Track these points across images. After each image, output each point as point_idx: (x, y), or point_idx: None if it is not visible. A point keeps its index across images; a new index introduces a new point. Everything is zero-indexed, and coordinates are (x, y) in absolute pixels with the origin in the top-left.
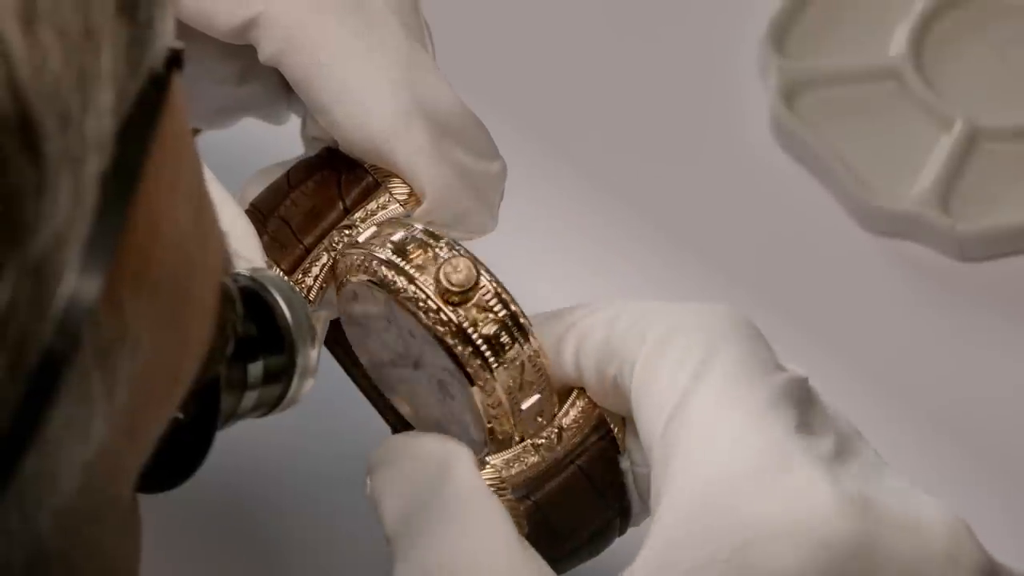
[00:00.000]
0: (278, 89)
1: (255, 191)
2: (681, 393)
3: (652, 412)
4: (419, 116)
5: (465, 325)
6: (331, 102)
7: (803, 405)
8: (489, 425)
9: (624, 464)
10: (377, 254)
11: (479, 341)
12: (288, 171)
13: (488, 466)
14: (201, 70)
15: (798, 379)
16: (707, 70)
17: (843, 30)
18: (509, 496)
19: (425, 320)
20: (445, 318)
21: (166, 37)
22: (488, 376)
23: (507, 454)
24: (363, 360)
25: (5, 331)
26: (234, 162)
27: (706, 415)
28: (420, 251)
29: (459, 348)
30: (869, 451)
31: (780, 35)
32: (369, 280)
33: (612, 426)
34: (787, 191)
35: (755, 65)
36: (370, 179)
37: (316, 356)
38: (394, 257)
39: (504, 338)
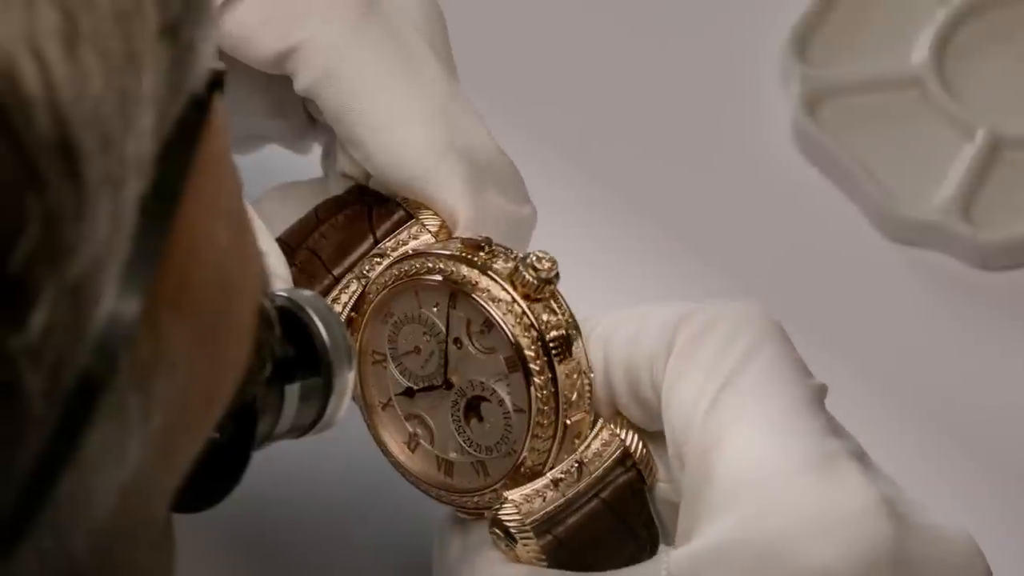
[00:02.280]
0: (305, 123)
1: (271, 208)
2: (722, 383)
3: (690, 397)
4: (455, 151)
5: (539, 323)
6: (366, 134)
7: (828, 414)
8: (524, 449)
9: (652, 491)
10: (445, 252)
11: (551, 340)
12: (317, 206)
13: (507, 502)
14: (232, 101)
15: (823, 386)
16: (729, 78)
17: (866, 38)
18: (528, 534)
19: (498, 313)
20: (520, 310)
21: (208, 59)
22: (550, 377)
23: (526, 489)
24: (367, 400)
25: (42, 353)
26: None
27: (748, 405)
28: (486, 251)
29: (531, 345)
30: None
31: (802, 43)
32: (440, 278)
33: (637, 455)
34: (809, 199)
35: (777, 73)
36: (402, 212)
37: (353, 377)
38: (466, 254)
39: (569, 341)
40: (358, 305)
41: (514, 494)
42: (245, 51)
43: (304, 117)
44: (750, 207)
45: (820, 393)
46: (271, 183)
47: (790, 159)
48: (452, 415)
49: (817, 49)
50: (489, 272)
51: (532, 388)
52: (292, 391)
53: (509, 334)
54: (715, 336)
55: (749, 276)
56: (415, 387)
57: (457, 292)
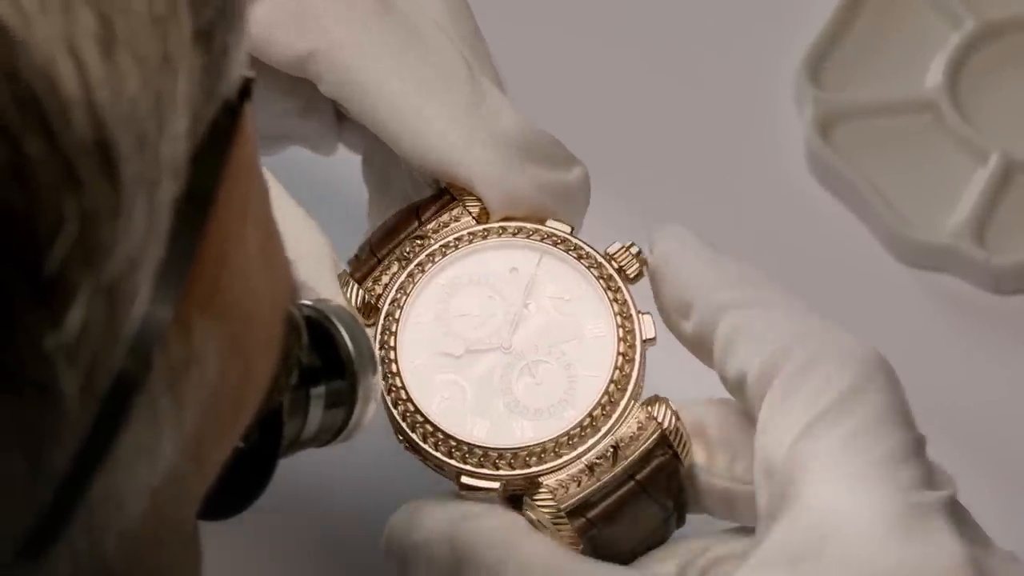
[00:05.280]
0: (332, 124)
1: None
2: (809, 425)
3: (779, 433)
4: (485, 136)
5: (631, 295)
6: (396, 132)
7: (928, 462)
8: (587, 412)
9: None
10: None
11: (642, 315)
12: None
13: (542, 489)
14: (260, 101)
15: (924, 437)
16: (743, 101)
17: (879, 62)
18: (564, 520)
19: (593, 277)
20: (616, 282)
21: (240, 66)
22: (631, 346)
23: (561, 474)
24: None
25: (78, 353)
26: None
27: (835, 452)
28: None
29: (621, 312)
30: (969, 514)
31: (816, 67)
32: (539, 238)
33: (675, 439)
34: (822, 223)
35: (791, 97)
36: (446, 196)
37: (377, 384)
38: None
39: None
40: (403, 279)
41: (550, 479)
42: (267, 53)
43: (333, 115)
44: (764, 230)
45: (918, 445)
46: (295, 182)
47: (803, 182)
48: (502, 376)
49: (831, 73)
50: (585, 243)
51: (619, 357)
52: (318, 399)
53: (607, 301)
54: (820, 370)
55: None
56: (466, 348)
57: (548, 256)
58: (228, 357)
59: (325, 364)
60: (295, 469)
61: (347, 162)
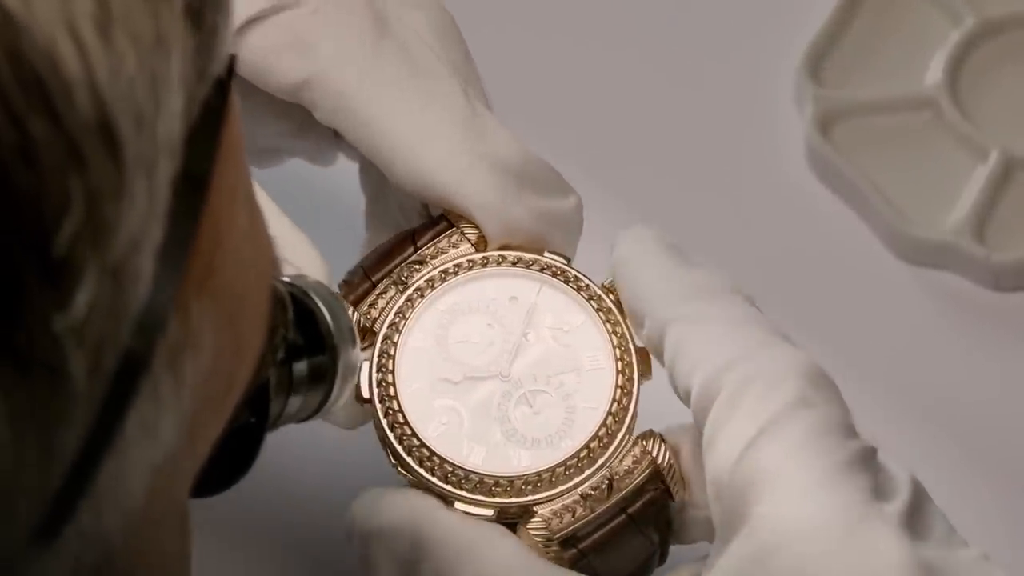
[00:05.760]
0: (330, 139)
1: None
2: (751, 441)
3: (724, 450)
4: (480, 162)
5: (628, 328)
6: (392, 160)
7: (875, 472)
8: (584, 443)
9: (674, 507)
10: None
11: (639, 347)
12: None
13: (536, 517)
14: (258, 123)
15: (871, 448)
16: (743, 99)
17: (879, 60)
18: (555, 547)
19: (593, 309)
20: (613, 314)
21: (228, 44)
22: (630, 379)
23: (555, 503)
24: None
25: (86, 333)
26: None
27: (780, 466)
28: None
29: (620, 345)
30: (938, 518)
31: (816, 64)
32: (538, 268)
33: (667, 474)
34: (822, 220)
35: (791, 94)
36: (444, 222)
37: (357, 359)
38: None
39: (650, 358)
40: (401, 303)
41: (543, 509)
42: (263, 80)
43: (330, 135)
44: (763, 227)
45: (866, 455)
46: (292, 190)
47: (804, 180)
48: (499, 405)
49: (831, 70)
50: (582, 274)
51: (618, 390)
52: (301, 374)
53: (606, 334)
54: (759, 387)
55: (762, 295)
56: (464, 375)
57: (548, 287)
58: (221, 334)
59: (306, 339)
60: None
61: (345, 170)
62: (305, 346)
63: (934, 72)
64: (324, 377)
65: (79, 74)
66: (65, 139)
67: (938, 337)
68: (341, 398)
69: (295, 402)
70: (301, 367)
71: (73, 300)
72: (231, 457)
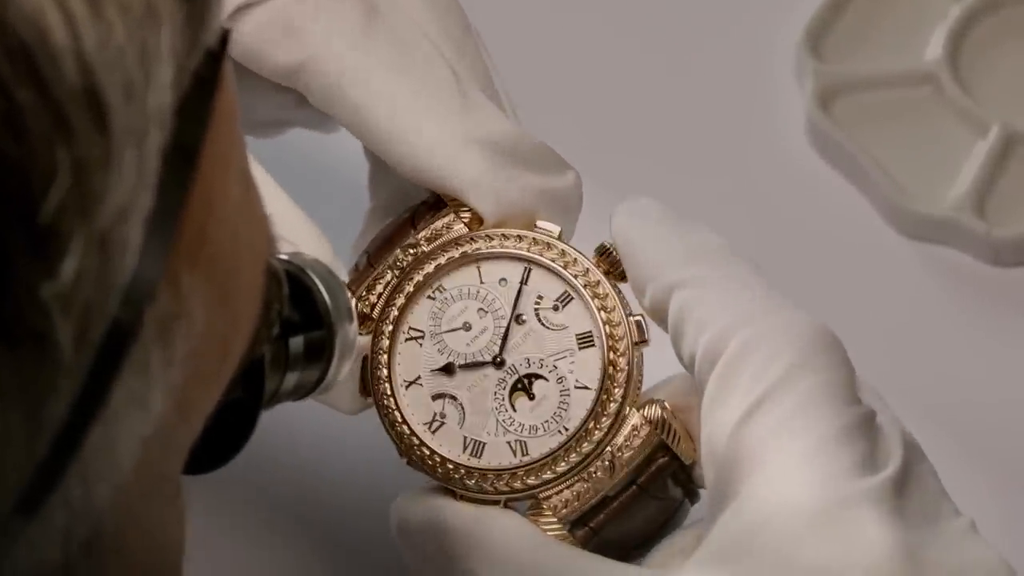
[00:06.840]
0: None
1: None
2: (748, 411)
3: (720, 420)
4: (473, 145)
5: (622, 302)
6: (386, 144)
7: (871, 438)
8: (581, 428)
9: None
10: (515, 232)
11: (634, 321)
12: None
13: (543, 505)
14: (258, 97)
15: (870, 412)
16: (743, 75)
17: (880, 35)
18: (564, 531)
19: (581, 287)
20: (604, 289)
21: (219, 15)
22: (627, 357)
23: (560, 488)
24: (390, 379)
25: (73, 302)
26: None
27: (771, 439)
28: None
29: (612, 322)
30: (930, 482)
31: (816, 40)
32: (524, 250)
33: (672, 442)
34: (823, 195)
35: (791, 70)
36: (439, 201)
37: (354, 336)
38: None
39: (646, 326)
40: (395, 290)
41: (549, 495)
42: (256, 66)
43: None
44: (764, 203)
45: (862, 422)
46: (296, 163)
47: (804, 155)
48: (495, 393)
49: (831, 45)
50: (572, 247)
51: (609, 366)
52: (297, 351)
53: (592, 309)
54: (755, 359)
55: (762, 271)
56: (457, 364)
57: (535, 266)
58: (214, 307)
59: (303, 316)
60: (299, 465)
61: (346, 147)
62: (301, 323)
63: (934, 47)
64: (321, 354)
65: (66, 43)
66: (52, 108)
67: (938, 312)
68: (339, 375)
69: (291, 379)
70: (297, 343)
71: (60, 268)
72: (227, 433)
